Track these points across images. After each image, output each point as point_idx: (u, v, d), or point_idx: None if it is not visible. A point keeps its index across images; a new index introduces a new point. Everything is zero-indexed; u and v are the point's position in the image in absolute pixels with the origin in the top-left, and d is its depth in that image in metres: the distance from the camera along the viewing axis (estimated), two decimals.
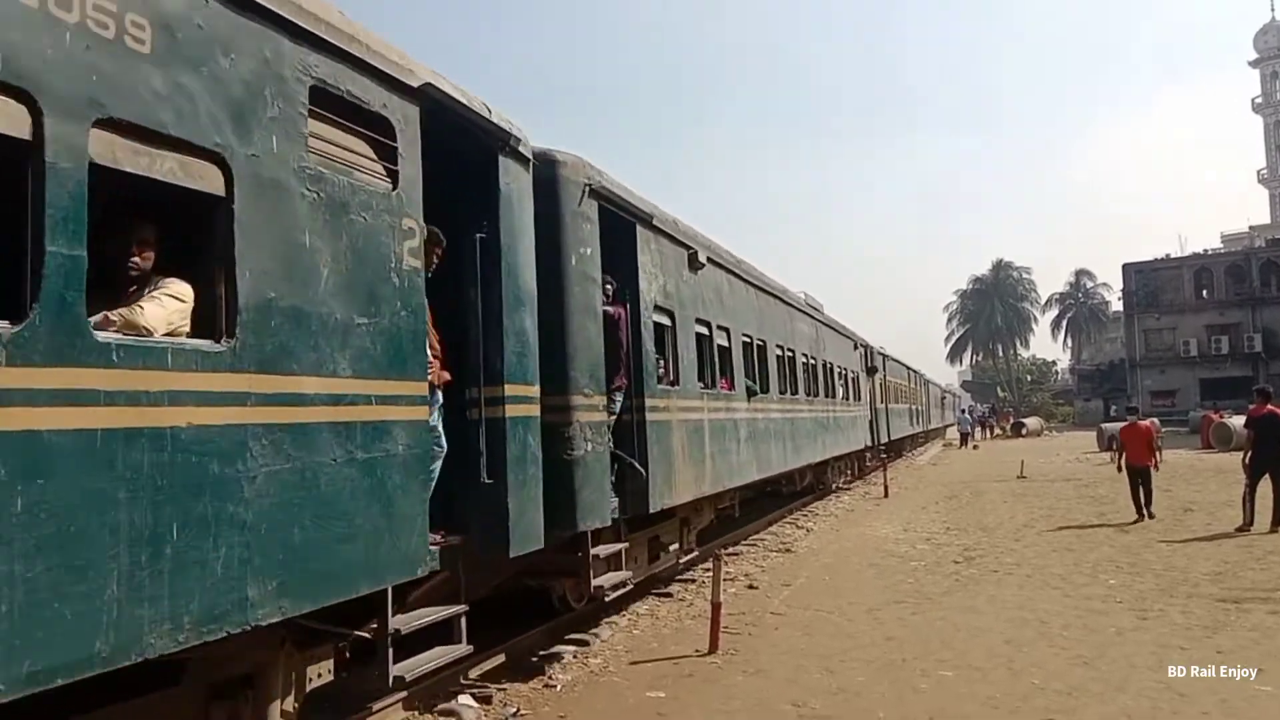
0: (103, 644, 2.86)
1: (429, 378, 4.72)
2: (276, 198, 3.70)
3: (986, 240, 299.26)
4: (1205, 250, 62.97)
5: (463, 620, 5.16)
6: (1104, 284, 75.84)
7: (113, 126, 3.03)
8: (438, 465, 5.01)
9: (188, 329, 3.44)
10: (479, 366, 5.38)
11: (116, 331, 3.15)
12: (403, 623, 4.64)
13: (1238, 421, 23.21)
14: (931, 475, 25.91)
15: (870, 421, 23.86)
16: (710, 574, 7.56)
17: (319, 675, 4.54)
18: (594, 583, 6.97)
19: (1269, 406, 12.35)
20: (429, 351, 4.78)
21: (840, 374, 19.68)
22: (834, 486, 20.55)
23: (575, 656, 6.93)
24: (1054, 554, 10.96)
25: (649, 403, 7.89)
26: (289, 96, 3.81)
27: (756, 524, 14.64)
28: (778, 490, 16.17)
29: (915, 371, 40.03)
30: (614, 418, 7.48)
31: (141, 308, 3.32)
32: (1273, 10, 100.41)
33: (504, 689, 6.12)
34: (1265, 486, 12.11)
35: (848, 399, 20.50)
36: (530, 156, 5.98)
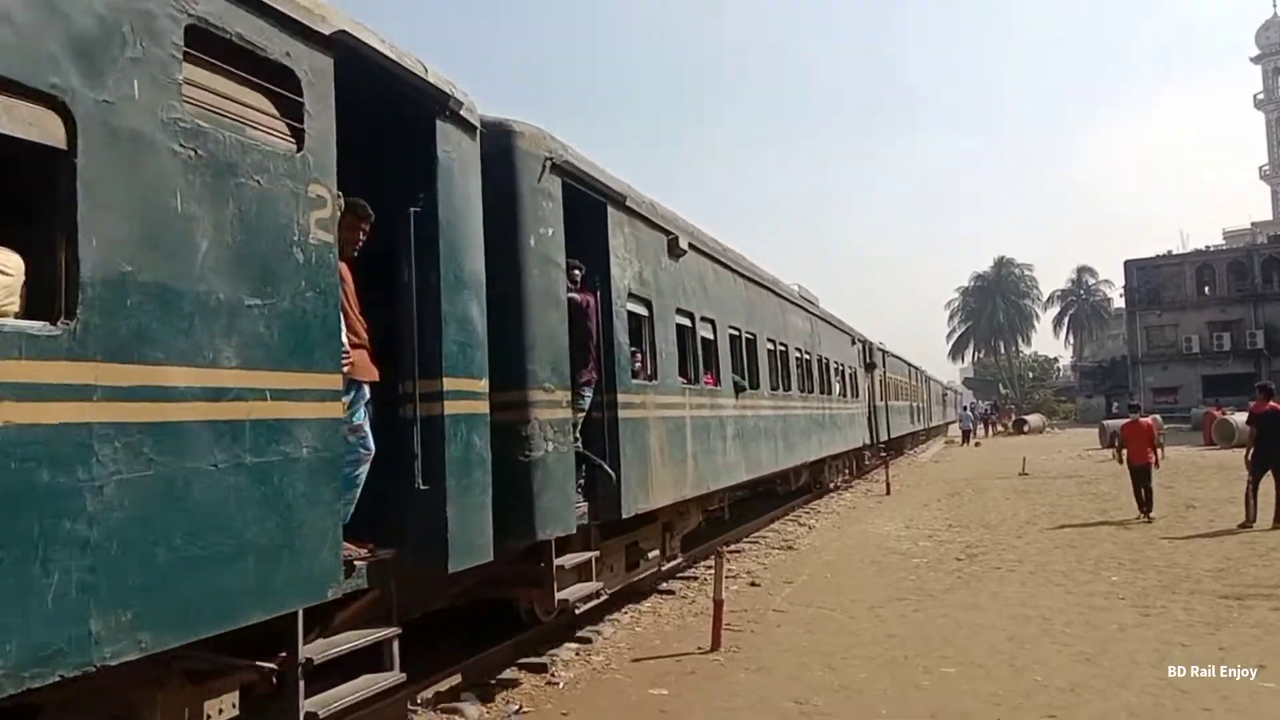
0: None
1: (344, 370, 4.11)
2: (136, 153, 3.08)
3: (987, 240, 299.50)
4: (1207, 247, 62.60)
5: (394, 645, 4.55)
6: (1106, 281, 75.68)
7: None
8: (363, 470, 4.42)
9: (15, 307, 2.83)
10: (413, 357, 4.72)
11: None
12: (317, 650, 4.04)
13: (1240, 418, 22.94)
14: (933, 473, 25.79)
15: (869, 419, 23.35)
16: (712, 571, 7.45)
17: (219, 711, 3.92)
18: (559, 595, 6.35)
19: (1271, 403, 12.26)
20: (346, 340, 4.17)
21: (837, 370, 19.16)
22: (831, 486, 20.03)
23: (578, 654, 6.86)
24: (1056, 551, 10.85)
25: (622, 399, 7.28)
26: (156, 35, 3.19)
27: (758, 521, 14.45)
28: (773, 490, 15.69)
29: (916, 368, 39.47)
30: (582, 415, 6.88)
31: None
32: (1275, 6, 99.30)
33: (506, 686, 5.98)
34: (1267, 483, 12.00)
35: (845, 396, 20.00)
36: (477, 125, 5.34)
